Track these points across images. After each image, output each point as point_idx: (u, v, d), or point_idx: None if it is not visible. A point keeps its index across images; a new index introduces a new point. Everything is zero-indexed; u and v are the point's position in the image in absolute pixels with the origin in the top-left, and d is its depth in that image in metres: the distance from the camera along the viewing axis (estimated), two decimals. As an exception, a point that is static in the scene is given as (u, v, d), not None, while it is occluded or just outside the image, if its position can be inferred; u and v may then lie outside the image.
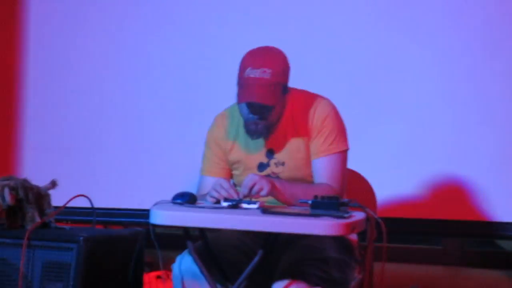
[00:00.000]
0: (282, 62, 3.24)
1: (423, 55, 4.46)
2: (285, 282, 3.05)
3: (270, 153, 3.35)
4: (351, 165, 3.44)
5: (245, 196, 3.11)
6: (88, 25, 5.10)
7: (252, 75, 3.18)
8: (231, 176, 3.44)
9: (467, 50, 4.41)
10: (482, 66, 4.39)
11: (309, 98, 3.36)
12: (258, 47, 3.28)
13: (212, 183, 3.26)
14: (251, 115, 3.25)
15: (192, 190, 3.26)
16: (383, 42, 4.52)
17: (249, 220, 2.90)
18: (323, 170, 3.29)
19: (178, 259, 3.27)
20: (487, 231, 4.40)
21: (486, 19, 4.39)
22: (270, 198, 3.20)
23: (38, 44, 5.20)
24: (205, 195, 3.25)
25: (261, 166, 3.35)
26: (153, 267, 4.67)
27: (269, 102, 3.20)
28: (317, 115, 3.31)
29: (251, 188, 3.10)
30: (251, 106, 3.24)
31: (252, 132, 3.30)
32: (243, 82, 3.21)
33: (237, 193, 3.13)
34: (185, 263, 3.22)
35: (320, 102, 3.34)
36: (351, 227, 2.88)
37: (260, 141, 3.34)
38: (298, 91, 3.39)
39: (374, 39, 4.53)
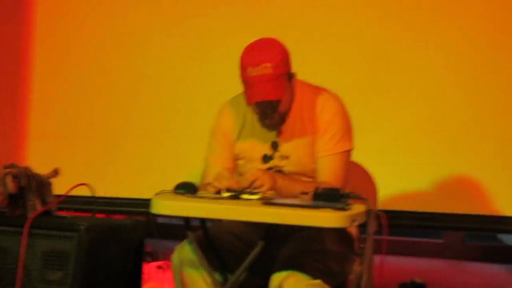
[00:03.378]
0: (280, 52, 3.19)
1: (428, 48, 4.46)
2: (284, 274, 3.05)
3: (275, 145, 3.34)
4: (353, 156, 3.44)
5: (245, 189, 3.11)
6: (93, 19, 5.10)
7: (254, 74, 3.14)
8: (235, 166, 3.44)
9: (472, 45, 4.41)
10: (485, 61, 4.40)
11: (318, 94, 3.34)
12: (253, 42, 3.23)
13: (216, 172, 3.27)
14: (263, 113, 3.25)
15: (194, 180, 3.26)
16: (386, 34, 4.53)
17: (250, 211, 2.89)
18: (326, 169, 3.29)
19: (177, 248, 3.27)
20: (488, 225, 4.41)
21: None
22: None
23: (44, 36, 5.20)
24: (208, 184, 3.25)
25: (265, 158, 3.35)
26: (154, 257, 4.68)
27: (276, 97, 3.19)
28: (325, 113, 3.30)
29: (252, 183, 3.10)
30: (260, 104, 3.23)
31: (267, 125, 3.30)
32: (247, 82, 3.17)
33: (239, 184, 3.13)
34: (184, 252, 3.23)
35: (328, 99, 3.33)
36: (352, 219, 2.87)
37: (266, 132, 3.34)
38: (306, 85, 3.37)
39: (378, 32, 4.54)
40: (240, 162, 3.41)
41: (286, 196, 3.17)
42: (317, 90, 3.36)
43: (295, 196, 3.12)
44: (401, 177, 4.44)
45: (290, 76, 3.25)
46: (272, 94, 3.17)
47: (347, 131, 3.32)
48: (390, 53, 4.51)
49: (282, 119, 3.29)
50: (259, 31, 3.37)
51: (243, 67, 3.18)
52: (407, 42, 4.50)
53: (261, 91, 3.15)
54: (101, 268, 3.28)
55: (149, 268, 4.49)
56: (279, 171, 3.31)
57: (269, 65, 3.14)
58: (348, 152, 3.33)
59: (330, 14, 4.63)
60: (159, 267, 4.54)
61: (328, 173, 3.28)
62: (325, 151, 3.30)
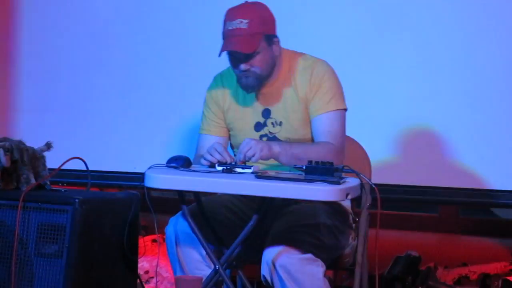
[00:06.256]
0: (260, 13, 3.26)
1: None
2: (276, 248, 3.06)
3: (267, 112, 3.36)
4: (347, 131, 3.44)
5: (241, 162, 3.12)
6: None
7: (229, 27, 3.23)
8: (229, 135, 3.45)
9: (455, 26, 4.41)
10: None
11: (308, 59, 3.37)
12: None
13: (210, 141, 3.29)
14: (237, 68, 3.28)
15: (188, 154, 3.26)
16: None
17: (243, 184, 2.91)
18: (322, 127, 3.29)
19: (171, 221, 3.28)
20: (482, 199, 4.41)
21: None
22: (272, 161, 3.21)
23: (32, 6, 5.17)
24: (201, 156, 3.26)
25: (258, 126, 3.37)
26: (149, 230, 4.68)
27: (244, 50, 3.22)
28: (315, 74, 3.32)
29: (245, 153, 3.11)
30: (233, 58, 3.28)
31: (243, 85, 3.31)
32: (223, 36, 3.25)
33: (231, 157, 3.14)
34: (179, 225, 3.24)
35: (317, 62, 3.36)
36: (345, 193, 2.88)
37: (257, 101, 3.36)
38: (296, 53, 3.41)
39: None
40: (232, 132, 3.42)
41: (288, 161, 3.17)
42: (307, 56, 3.39)
43: (297, 160, 3.12)
44: (395, 151, 4.44)
45: (269, 40, 3.27)
46: (241, 47, 3.22)
47: (339, 91, 3.34)
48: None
49: (259, 81, 3.29)
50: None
51: (223, 23, 3.26)
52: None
53: (231, 42, 3.22)
54: (97, 241, 3.28)
55: (144, 242, 4.48)
56: (273, 137, 3.32)
57: (244, 21, 3.21)
58: (342, 112, 3.33)
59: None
60: (154, 240, 4.55)
61: (325, 132, 3.29)
62: (318, 110, 3.31)
